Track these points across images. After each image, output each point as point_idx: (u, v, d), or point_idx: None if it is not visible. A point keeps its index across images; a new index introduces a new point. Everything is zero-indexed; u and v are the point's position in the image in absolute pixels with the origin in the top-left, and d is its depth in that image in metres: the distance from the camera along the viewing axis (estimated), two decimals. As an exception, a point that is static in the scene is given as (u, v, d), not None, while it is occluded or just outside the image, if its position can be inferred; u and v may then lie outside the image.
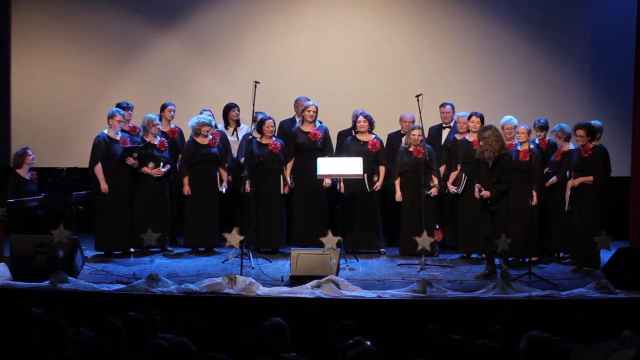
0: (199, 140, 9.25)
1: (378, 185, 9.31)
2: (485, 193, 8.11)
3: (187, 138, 9.63)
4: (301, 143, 9.44)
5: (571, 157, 8.76)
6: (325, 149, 9.48)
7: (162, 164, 9.22)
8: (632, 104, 9.47)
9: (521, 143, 8.73)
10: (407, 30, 11.00)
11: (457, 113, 9.61)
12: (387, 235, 9.92)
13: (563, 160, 8.86)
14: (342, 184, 9.09)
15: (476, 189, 8.18)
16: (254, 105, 8.70)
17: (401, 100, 10.08)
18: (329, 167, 8.91)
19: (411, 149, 9.11)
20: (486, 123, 9.18)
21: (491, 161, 8.04)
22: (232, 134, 9.93)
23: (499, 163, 8.04)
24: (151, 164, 9.19)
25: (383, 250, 9.38)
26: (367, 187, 9.24)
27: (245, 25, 11.03)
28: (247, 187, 8.95)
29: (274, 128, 9.42)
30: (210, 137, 9.28)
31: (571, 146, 8.94)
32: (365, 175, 9.18)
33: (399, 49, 10.96)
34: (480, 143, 8.11)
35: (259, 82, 8.73)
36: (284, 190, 9.36)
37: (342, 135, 9.88)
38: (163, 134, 9.50)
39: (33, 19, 11.13)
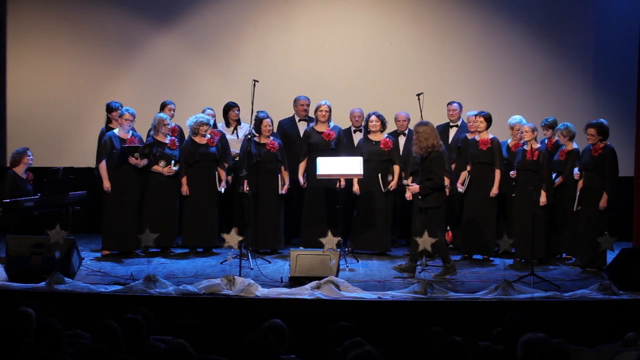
0: (197, 139, 9.24)
1: (393, 185, 9.29)
2: (414, 188, 8.19)
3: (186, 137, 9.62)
4: (315, 143, 9.41)
5: (577, 157, 8.75)
6: (338, 149, 9.46)
7: (172, 162, 9.21)
8: (636, 103, 9.48)
9: (527, 142, 8.72)
10: (408, 28, 11.00)
11: (467, 112, 9.59)
12: (395, 234, 9.94)
13: (568, 160, 8.84)
14: (356, 185, 9.12)
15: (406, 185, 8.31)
16: (252, 104, 8.69)
17: (402, 99, 10.08)
18: (328, 166, 8.90)
19: None
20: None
21: (420, 157, 8.16)
22: (232, 132, 9.93)
23: (427, 160, 8.12)
24: (162, 163, 9.18)
25: (389, 253, 9.36)
26: (382, 187, 9.23)
27: (244, 23, 11.03)
28: (245, 187, 8.94)
29: (271, 127, 9.40)
30: (209, 136, 9.27)
31: (575, 145, 8.93)
32: (380, 175, 9.18)
33: (400, 47, 10.96)
34: (413, 138, 8.22)
35: (257, 81, 8.72)
36: (282, 190, 9.35)
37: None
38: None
39: (29, 17, 11.12)
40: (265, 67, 10.75)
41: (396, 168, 9.32)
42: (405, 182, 8.56)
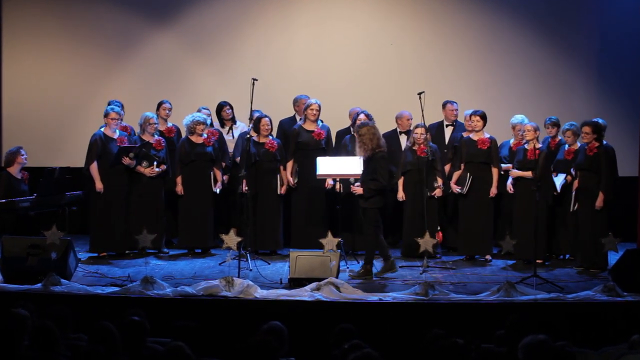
0: (194, 139, 9.24)
1: None
2: (358, 190, 8.18)
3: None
4: (304, 142, 9.39)
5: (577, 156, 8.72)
6: (327, 149, 9.45)
7: (155, 163, 9.19)
8: (640, 102, 9.48)
9: (528, 141, 8.69)
10: (409, 26, 10.98)
11: (465, 111, 9.58)
12: (390, 236, 9.91)
13: (574, 159, 8.78)
14: (339, 184, 9.11)
15: (352, 188, 8.29)
16: (251, 103, 8.69)
17: (403, 98, 10.07)
18: (328, 166, 8.89)
19: (415, 147, 9.09)
20: (490, 121, 9.17)
21: (365, 158, 8.16)
22: (228, 132, 9.92)
23: (372, 160, 8.12)
24: (145, 163, 9.16)
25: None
26: None
27: (242, 21, 11.02)
28: (244, 188, 8.92)
29: (270, 127, 9.38)
30: (205, 135, 9.26)
31: (578, 145, 8.90)
32: None
33: (401, 45, 10.94)
34: (356, 141, 8.20)
35: (257, 79, 8.72)
36: (281, 190, 9.34)
37: (340, 134, 9.83)
38: (159, 132, 9.47)
39: (25, 15, 11.11)
40: (264, 66, 10.74)
41: None
42: (353, 184, 8.46)
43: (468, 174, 9.05)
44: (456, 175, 9.17)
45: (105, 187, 8.95)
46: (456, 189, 9.10)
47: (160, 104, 9.80)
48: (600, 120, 8.85)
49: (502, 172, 9.05)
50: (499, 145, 9.24)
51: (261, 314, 6.58)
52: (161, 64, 11.03)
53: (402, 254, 9.25)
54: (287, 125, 9.99)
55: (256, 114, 9.32)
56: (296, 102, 9.99)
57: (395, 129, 9.86)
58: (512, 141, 9.27)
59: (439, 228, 9.19)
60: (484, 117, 9.07)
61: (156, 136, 9.30)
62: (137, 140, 9.17)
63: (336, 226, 8.79)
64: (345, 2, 11.01)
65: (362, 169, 8.77)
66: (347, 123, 9.99)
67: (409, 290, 7.29)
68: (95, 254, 9.07)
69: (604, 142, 8.65)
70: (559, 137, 9.14)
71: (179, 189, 9.22)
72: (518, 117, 9.22)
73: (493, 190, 8.99)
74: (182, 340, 4.45)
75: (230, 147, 9.73)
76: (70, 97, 11.08)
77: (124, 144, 8.99)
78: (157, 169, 9.19)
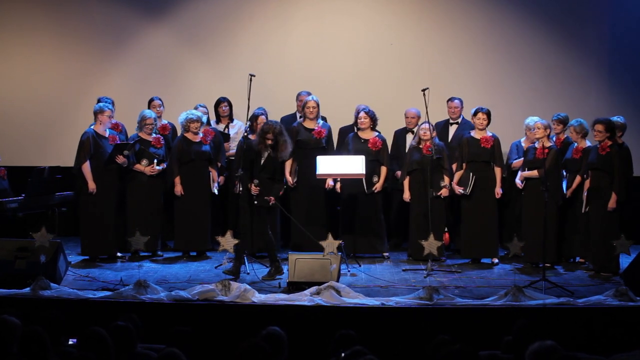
0: (190, 137, 9.24)
1: (378, 187, 9.27)
2: (271, 200, 8.20)
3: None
4: (304, 140, 9.38)
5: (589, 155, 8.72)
6: (328, 148, 9.45)
7: (155, 161, 9.19)
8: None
9: (539, 139, 8.68)
10: (412, 19, 10.99)
11: (472, 109, 9.56)
12: (394, 238, 9.92)
13: (583, 158, 8.78)
14: (339, 184, 9.11)
15: (252, 187, 8.27)
16: (249, 99, 8.70)
17: (406, 95, 10.08)
18: (329, 166, 8.89)
19: (421, 146, 9.08)
20: (499, 119, 9.16)
21: (264, 158, 8.23)
22: (224, 130, 9.92)
23: (271, 159, 8.21)
24: (144, 162, 9.16)
25: (387, 254, 9.36)
26: (365, 188, 9.22)
27: (240, 15, 11.03)
28: (239, 188, 8.92)
29: (265, 125, 9.38)
30: (201, 134, 9.26)
31: (588, 143, 8.91)
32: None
33: (404, 40, 10.95)
34: (278, 143, 8.27)
35: (254, 75, 8.72)
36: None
37: (343, 131, 9.86)
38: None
39: (13, 8, 11.12)
40: (262, 61, 10.76)
41: (383, 169, 9.29)
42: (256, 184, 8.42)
43: (471, 174, 9.04)
44: (457, 175, 9.15)
45: (97, 187, 8.94)
46: (458, 189, 9.07)
47: (150, 101, 9.80)
48: (620, 119, 8.82)
49: (512, 169, 9.04)
50: (509, 145, 9.22)
51: (259, 319, 6.59)
52: (155, 59, 11.04)
53: (408, 257, 9.25)
54: (288, 123, 9.96)
55: (256, 111, 9.31)
56: (298, 97, 10.00)
57: (405, 127, 9.87)
58: (523, 140, 9.25)
59: (446, 229, 9.20)
60: (490, 115, 9.07)
61: (154, 134, 9.29)
62: (134, 138, 9.15)
63: (337, 228, 8.80)
64: (346, -5, 11.04)
65: (363, 168, 8.80)
66: (348, 120, 10.01)
67: (413, 294, 7.29)
68: (87, 257, 9.07)
69: (623, 141, 8.61)
70: (565, 135, 9.14)
71: (178, 189, 9.21)
72: (534, 119, 9.14)
73: (498, 191, 8.98)
74: (176, 347, 4.46)
75: (229, 145, 9.73)
76: (60, 94, 11.09)
77: (116, 142, 8.98)
78: (157, 167, 9.19)
